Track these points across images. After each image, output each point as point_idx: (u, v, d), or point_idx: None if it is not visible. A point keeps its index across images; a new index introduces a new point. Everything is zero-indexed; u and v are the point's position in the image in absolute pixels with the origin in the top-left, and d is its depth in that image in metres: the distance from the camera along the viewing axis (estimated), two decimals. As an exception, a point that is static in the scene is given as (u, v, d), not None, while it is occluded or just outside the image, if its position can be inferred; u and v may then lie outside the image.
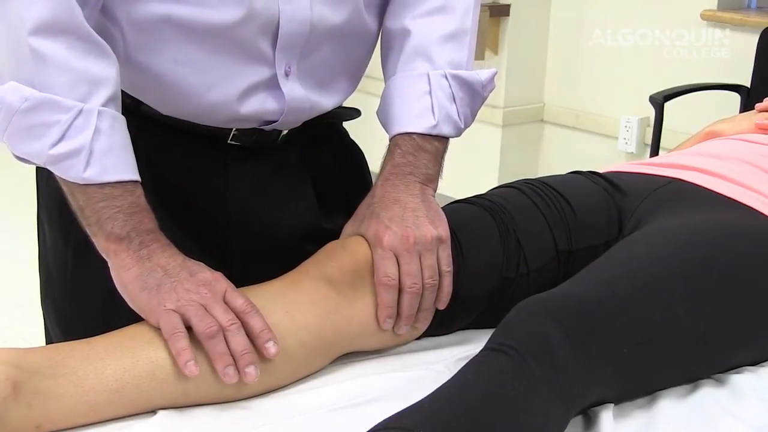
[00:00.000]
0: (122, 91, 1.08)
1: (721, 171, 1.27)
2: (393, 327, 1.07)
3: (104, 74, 0.97)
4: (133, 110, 1.09)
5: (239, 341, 0.94)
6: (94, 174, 0.95)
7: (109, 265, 1.00)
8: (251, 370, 0.94)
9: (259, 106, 1.09)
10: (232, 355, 0.94)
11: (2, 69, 0.97)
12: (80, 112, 0.94)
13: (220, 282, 0.99)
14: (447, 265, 1.09)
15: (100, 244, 0.99)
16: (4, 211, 3.53)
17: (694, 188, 1.23)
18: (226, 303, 0.97)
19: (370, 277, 1.07)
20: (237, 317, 0.96)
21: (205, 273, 0.99)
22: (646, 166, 1.37)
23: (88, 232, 0.99)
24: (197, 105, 1.07)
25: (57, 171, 0.96)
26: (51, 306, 1.18)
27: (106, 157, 0.96)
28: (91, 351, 0.94)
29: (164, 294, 0.96)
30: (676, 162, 1.35)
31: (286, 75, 1.09)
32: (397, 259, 1.07)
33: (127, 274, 0.98)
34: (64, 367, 0.92)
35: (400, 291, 1.07)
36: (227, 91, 1.07)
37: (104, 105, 0.96)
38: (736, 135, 1.49)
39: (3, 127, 0.96)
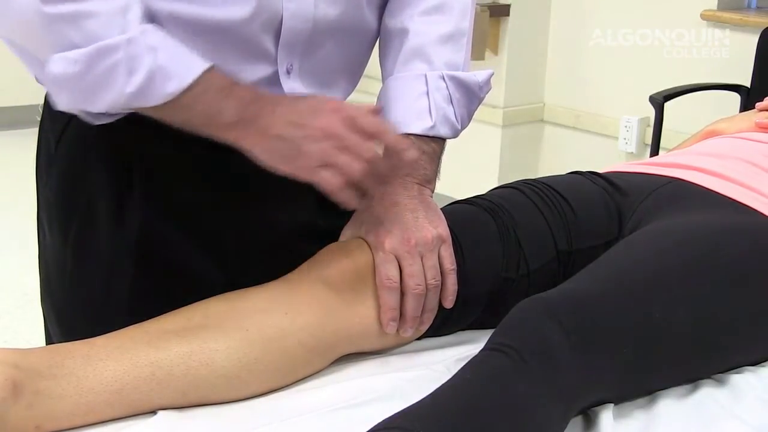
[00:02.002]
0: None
1: (721, 170, 1.27)
2: (398, 330, 1.07)
3: (124, 1, 0.97)
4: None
5: (361, 169, 1.00)
6: (175, 85, 0.96)
7: (251, 154, 1.01)
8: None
9: None
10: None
11: (37, 53, 0.97)
12: (129, 42, 0.95)
13: (339, 113, 1.01)
14: (450, 264, 1.09)
15: (224, 137, 1.01)
16: (4, 210, 3.54)
17: (694, 188, 1.23)
18: (358, 127, 1.00)
19: (370, 279, 1.07)
20: (372, 136, 1.01)
21: (322, 113, 1.00)
22: (646, 166, 1.37)
23: (212, 136, 1.01)
24: None
25: (142, 104, 0.97)
26: (51, 306, 1.18)
27: (176, 65, 0.96)
28: (90, 351, 0.94)
29: (305, 155, 0.99)
30: (676, 161, 1.35)
31: (288, 73, 1.09)
32: (398, 261, 1.07)
33: (263, 149, 1.00)
34: (64, 367, 0.92)
35: (403, 293, 1.07)
36: None
37: (141, 22, 0.97)
38: (736, 134, 1.49)
39: (70, 96, 0.97)
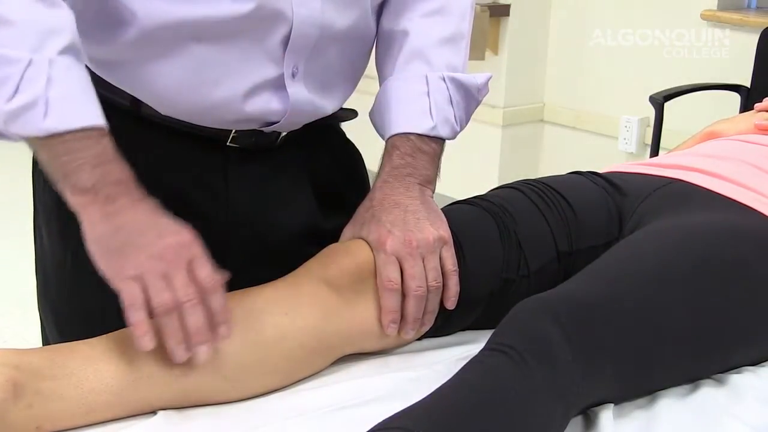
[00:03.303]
0: (120, 92, 1.08)
1: (722, 171, 1.27)
2: (399, 331, 1.07)
3: (56, 24, 0.93)
4: (133, 113, 1.08)
5: (194, 320, 0.92)
6: (53, 123, 0.90)
7: (81, 223, 0.95)
8: (203, 350, 0.92)
9: (263, 105, 1.09)
10: (185, 333, 0.91)
11: None
12: (30, 63, 0.90)
13: (188, 248, 0.95)
14: (452, 265, 1.09)
15: (69, 200, 0.94)
16: (4, 211, 3.53)
17: (695, 189, 1.23)
18: (191, 272, 0.93)
19: (371, 279, 1.07)
20: (198, 291, 0.93)
21: (174, 236, 0.95)
22: (646, 166, 1.37)
23: (59, 190, 0.95)
24: (202, 102, 1.07)
25: (17, 129, 0.91)
26: (49, 309, 1.17)
27: (64, 105, 0.91)
28: (91, 352, 0.94)
29: (126, 259, 0.92)
30: (677, 162, 1.35)
31: (293, 76, 1.09)
32: (400, 262, 1.07)
33: (93, 233, 0.94)
34: (65, 368, 0.92)
35: (404, 295, 1.07)
36: (234, 88, 1.06)
37: (60, 54, 0.92)
38: (736, 135, 1.49)
39: None
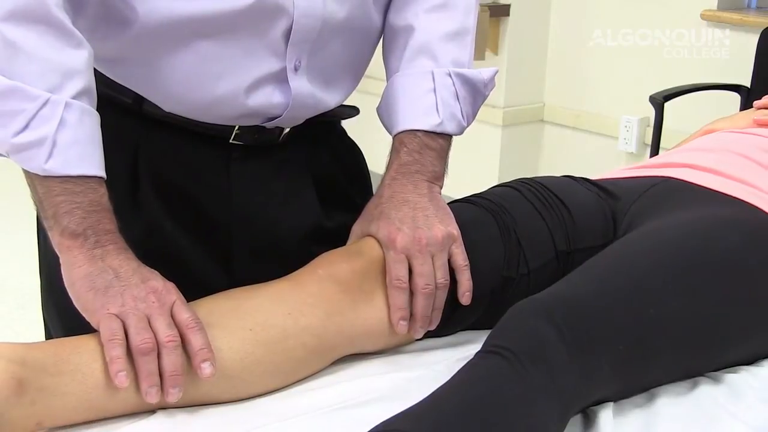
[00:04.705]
0: (124, 89, 1.08)
1: (711, 165, 1.27)
2: (408, 329, 1.07)
3: (77, 66, 0.95)
4: (135, 111, 1.09)
5: (172, 361, 0.92)
6: (55, 166, 0.93)
7: (60, 261, 0.97)
8: (175, 392, 0.92)
9: (266, 99, 1.09)
10: (161, 373, 0.92)
11: None
12: (47, 102, 0.92)
13: (170, 293, 0.96)
14: (463, 260, 1.09)
15: (54, 239, 0.96)
16: (4, 211, 3.53)
17: (684, 185, 1.24)
18: (172, 316, 0.94)
19: (380, 278, 1.08)
20: (179, 331, 0.94)
21: (158, 281, 0.97)
22: (636, 169, 1.37)
23: (45, 225, 0.97)
24: (205, 97, 1.07)
25: (19, 161, 0.94)
26: (54, 308, 1.17)
27: (70, 150, 0.93)
28: (96, 347, 0.94)
29: (110, 297, 0.94)
30: (666, 161, 1.36)
31: (296, 69, 1.09)
32: (409, 260, 1.07)
33: (77, 272, 0.95)
34: (69, 363, 0.92)
35: (412, 293, 1.07)
36: (237, 83, 1.06)
37: (75, 97, 0.94)
38: (730, 128, 1.49)
39: None
